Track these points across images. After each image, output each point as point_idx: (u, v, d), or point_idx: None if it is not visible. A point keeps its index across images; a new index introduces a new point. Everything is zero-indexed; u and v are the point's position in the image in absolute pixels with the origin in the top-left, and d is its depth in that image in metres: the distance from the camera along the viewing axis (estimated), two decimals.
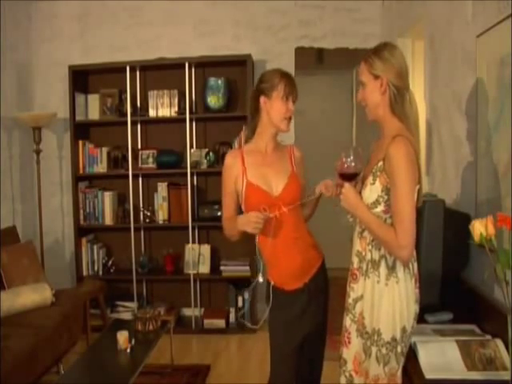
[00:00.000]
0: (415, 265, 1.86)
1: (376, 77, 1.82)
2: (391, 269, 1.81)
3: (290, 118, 2.20)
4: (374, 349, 1.82)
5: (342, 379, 1.97)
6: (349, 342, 1.94)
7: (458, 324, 2.12)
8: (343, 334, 1.97)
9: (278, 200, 2.14)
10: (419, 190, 1.82)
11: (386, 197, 1.80)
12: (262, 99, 2.18)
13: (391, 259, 1.81)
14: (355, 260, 1.92)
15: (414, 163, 1.76)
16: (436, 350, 1.84)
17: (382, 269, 1.82)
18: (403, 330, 1.80)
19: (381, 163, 1.80)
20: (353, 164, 1.86)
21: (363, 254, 1.88)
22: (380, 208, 1.82)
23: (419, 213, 1.85)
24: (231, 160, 2.24)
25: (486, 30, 2.19)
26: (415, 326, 1.85)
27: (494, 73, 2.14)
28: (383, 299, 1.80)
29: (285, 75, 2.20)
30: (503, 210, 1.97)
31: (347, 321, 1.95)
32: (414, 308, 1.83)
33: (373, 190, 1.82)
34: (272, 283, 2.23)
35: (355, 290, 1.91)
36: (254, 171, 2.19)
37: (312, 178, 2.31)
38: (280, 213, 2.11)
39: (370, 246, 1.86)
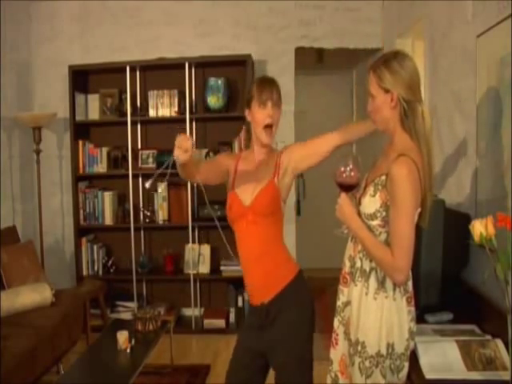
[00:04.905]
0: (409, 283, 1.79)
1: (386, 90, 1.72)
2: (381, 283, 1.75)
3: (270, 127, 2.10)
4: (357, 359, 1.78)
5: (328, 379, 1.97)
6: (336, 344, 1.93)
7: (458, 324, 2.12)
8: (332, 334, 1.96)
9: (247, 210, 2.10)
10: (423, 213, 1.75)
11: (384, 213, 1.72)
12: (246, 111, 2.18)
13: (382, 273, 1.75)
14: (347, 264, 1.88)
15: (417, 186, 1.67)
16: (436, 350, 1.83)
17: (372, 281, 1.77)
18: (392, 346, 1.73)
19: (383, 178, 1.72)
20: (352, 173, 1.79)
21: (354, 259, 1.84)
22: (376, 222, 1.75)
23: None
24: (231, 156, 2.33)
25: (486, 30, 2.19)
26: (411, 345, 1.78)
27: (494, 73, 2.14)
28: (371, 312, 1.75)
29: (260, 82, 2.14)
30: (503, 210, 1.96)
31: (336, 322, 1.94)
32: (409, 326, 1.76)
33: (372, 202, 1.75)
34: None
35: (345, 293, 1.88)
36: (241, 179, 2.18)
37: (311, 178, 2.30)
38: (247, 222, 2.10)
39: (361, 255, 1.81)
